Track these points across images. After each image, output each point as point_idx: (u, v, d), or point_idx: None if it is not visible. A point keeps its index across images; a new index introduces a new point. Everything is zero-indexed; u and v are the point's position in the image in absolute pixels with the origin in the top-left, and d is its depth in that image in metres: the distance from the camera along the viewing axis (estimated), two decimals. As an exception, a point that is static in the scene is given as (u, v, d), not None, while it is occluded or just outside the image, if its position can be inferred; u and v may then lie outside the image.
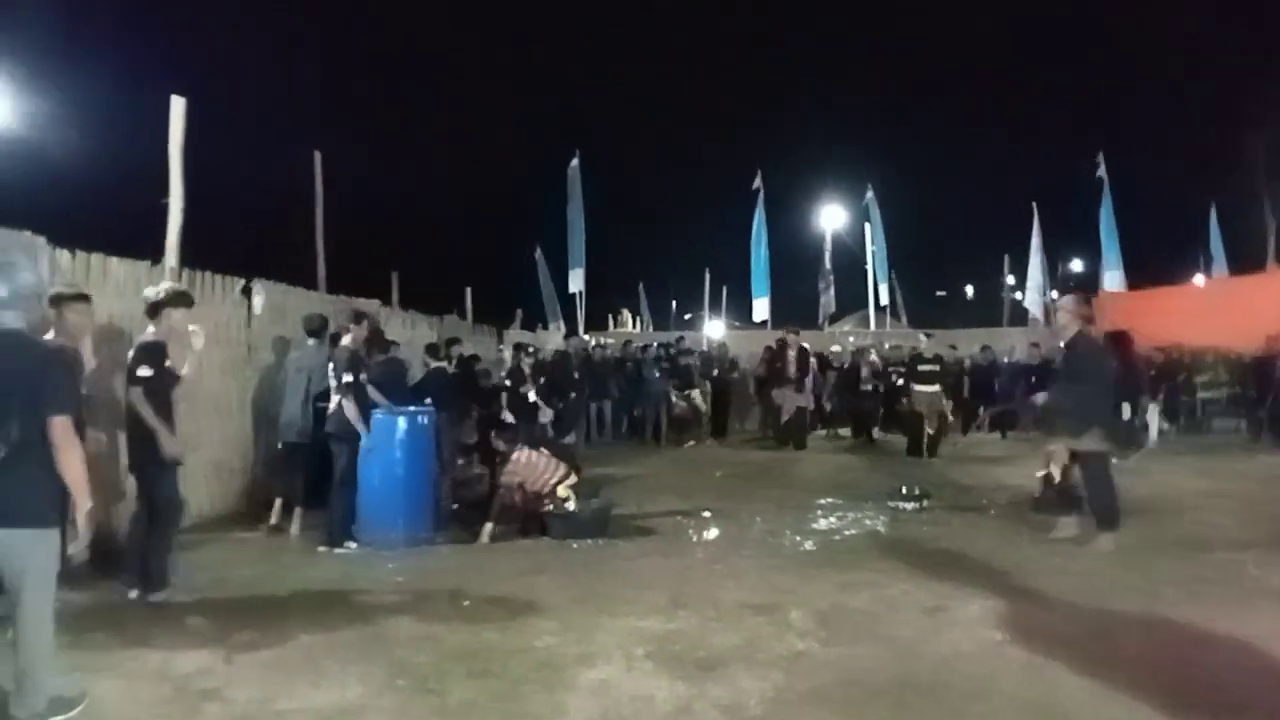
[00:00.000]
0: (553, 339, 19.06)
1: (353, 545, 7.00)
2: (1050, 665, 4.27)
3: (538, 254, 23.73)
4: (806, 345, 14.68)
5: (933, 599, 5.41)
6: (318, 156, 11.47)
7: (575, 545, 7.10)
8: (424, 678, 4.24)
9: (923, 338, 15.50)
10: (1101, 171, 22.63)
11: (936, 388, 12.89)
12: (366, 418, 7.11)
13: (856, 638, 4.76)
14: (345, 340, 7.33)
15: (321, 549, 6.97)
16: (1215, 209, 25.39)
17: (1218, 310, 17.07)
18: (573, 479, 7.61)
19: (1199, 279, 23.11)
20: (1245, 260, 25.04)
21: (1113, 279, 22.68)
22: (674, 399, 15.21)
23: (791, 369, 14.06)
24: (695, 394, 15.57)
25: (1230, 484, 9.84)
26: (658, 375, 15.41)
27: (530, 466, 7.54)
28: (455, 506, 8.46)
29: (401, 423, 7.46)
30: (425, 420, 7.69)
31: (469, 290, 18.30)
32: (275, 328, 8.96)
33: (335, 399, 7.11)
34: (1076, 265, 38.00)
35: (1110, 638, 4.63)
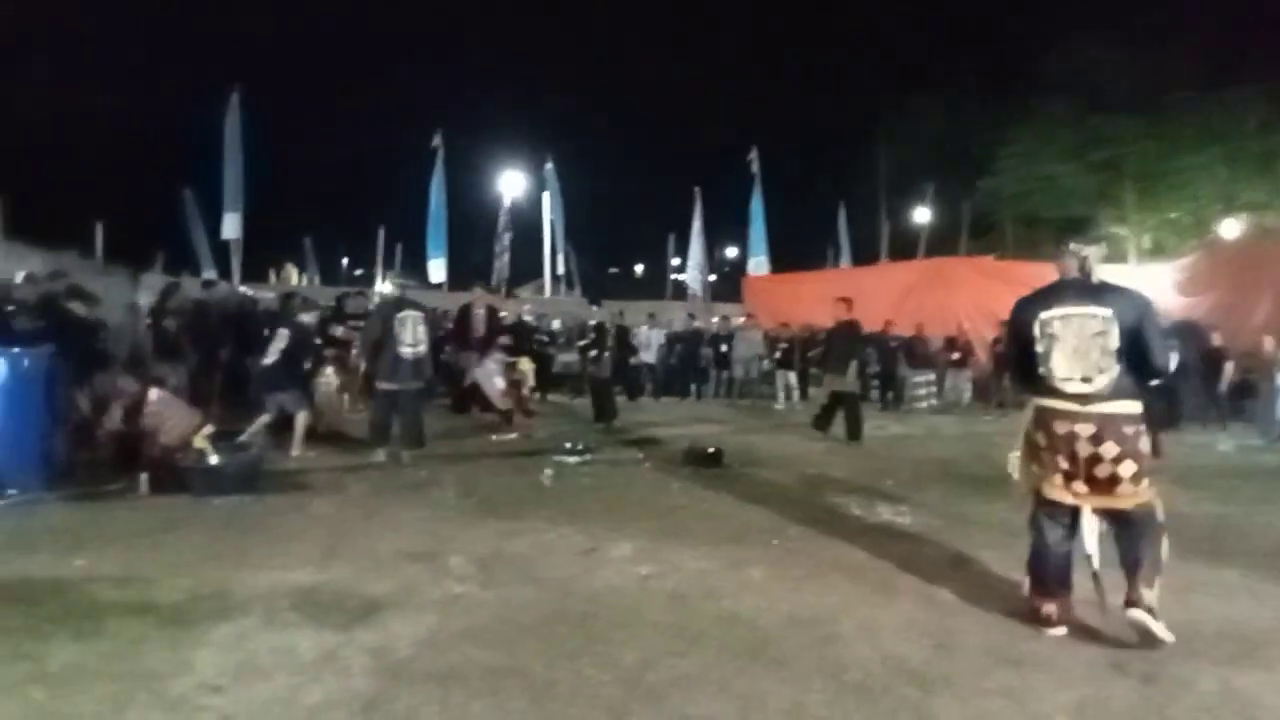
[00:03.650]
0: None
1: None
2: (690, 595, 4.59)
3: (186, 194, 21.58)
4: (495, 306, 14.26)
5: (589, 542, 5.61)
6: None
7: (218, 502, 6.50)
8: (16, 643, 3.66)
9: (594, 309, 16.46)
10: (755, 166, 24.83)
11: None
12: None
13: (513, 580, 4.81)
14: None
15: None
16: (844, 208, 29.05)
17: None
18: (209, 429, 6.95)
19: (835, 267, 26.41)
20: (865, 254, 29.00)
21: (759, 264, 25.04)
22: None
23: (479, 330, 13.40)
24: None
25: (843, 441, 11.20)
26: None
27: (162, 413, 6.79)
28: (79, 458, 7.38)
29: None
30: (30, 362, 6.64)
31: (100, 225, 16.16)
32: None
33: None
34: (731, 250, 41.42)
35: (741, 569, 5.08)
